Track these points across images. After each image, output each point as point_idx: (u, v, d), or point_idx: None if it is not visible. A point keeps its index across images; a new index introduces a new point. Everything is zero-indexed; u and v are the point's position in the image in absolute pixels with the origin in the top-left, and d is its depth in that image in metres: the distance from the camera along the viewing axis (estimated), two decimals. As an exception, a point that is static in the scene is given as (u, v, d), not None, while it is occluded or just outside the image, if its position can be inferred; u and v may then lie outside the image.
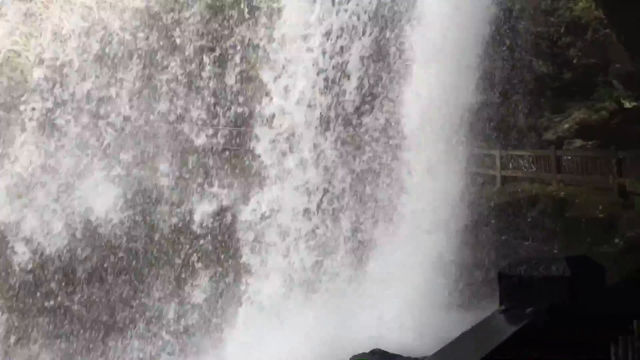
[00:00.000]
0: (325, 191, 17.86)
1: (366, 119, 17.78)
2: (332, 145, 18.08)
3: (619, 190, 16.02)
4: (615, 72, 17.70)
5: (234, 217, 20.25)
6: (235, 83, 21.67)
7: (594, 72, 18.38)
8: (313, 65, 18.42)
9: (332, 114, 18.23)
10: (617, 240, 15.09)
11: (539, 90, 20.22)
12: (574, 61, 18.48)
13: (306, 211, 17.80)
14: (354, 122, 18.21)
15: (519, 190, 18.29)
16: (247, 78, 21.48)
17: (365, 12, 17.79)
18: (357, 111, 18.06)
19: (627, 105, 17.70)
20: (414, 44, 16.68)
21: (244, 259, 18.80)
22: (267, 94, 19.36)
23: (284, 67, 19.19)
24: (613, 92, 18.04)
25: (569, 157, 18.20)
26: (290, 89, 18.71)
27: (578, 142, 19.02)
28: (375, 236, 16.76)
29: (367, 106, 18.05)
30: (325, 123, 18.05)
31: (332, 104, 18.21)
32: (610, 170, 16.35)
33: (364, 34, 17.78)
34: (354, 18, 17.91)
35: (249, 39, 21.34)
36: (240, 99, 21.55)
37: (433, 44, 16.44)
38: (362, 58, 17.88)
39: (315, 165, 18.07)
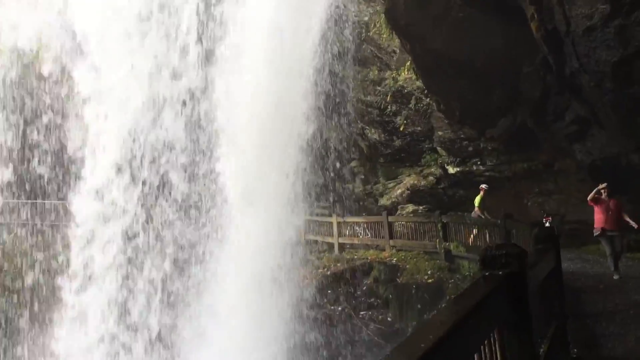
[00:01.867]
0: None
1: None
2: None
3: (445, 254, 16.23)
4: (438, 139, 18.28)
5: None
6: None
7: (420, 139, 18.93)
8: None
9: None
10: (444, 305, 15.11)
11: (373, 157, 20.63)
12: (401, 128, 18.96)
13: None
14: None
15: (355, 257, 18.16)
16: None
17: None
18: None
19: (451, 170, 18.25)
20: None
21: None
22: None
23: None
24: (438, 158, 18.58)
25: (402, 223, 18.37)
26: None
27: (410, 207, 19.35)
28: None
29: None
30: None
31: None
32: (437, 234, 16.59)
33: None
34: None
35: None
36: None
37: (267, 113, 16.21)
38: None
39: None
